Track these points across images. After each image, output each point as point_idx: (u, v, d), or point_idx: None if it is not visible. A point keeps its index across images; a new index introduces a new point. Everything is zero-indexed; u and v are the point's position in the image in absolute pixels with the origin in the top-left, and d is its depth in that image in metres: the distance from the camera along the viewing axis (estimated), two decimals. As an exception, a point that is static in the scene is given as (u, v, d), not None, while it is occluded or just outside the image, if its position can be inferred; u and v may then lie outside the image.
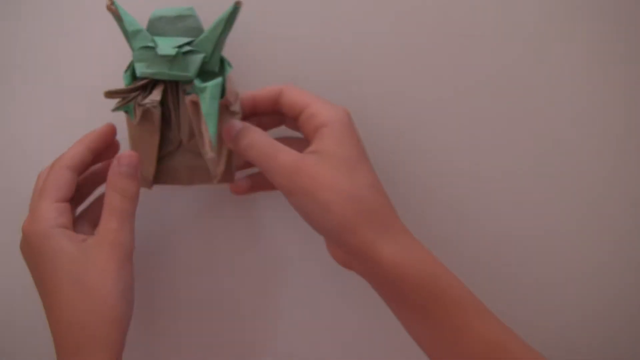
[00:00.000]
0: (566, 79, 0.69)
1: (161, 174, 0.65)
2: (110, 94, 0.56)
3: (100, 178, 0.57)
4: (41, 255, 0.46)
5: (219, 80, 0.59)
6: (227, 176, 0.65)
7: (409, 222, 0.52)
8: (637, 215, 0.70)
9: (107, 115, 0.60)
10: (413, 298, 0.44)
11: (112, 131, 0.57)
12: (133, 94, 0.58)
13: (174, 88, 0.61)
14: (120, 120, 0.62)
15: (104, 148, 0.56)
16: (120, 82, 0.61)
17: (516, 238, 0.71)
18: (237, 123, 0.53)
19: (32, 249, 0.47)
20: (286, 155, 0.49)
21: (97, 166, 0.58)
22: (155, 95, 0.58)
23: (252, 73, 0.67)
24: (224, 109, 0.61)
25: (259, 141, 0.50)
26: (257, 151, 0.51)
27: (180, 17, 0.61)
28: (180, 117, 0.62)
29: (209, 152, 0.55)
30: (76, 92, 0.68)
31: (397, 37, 0.66)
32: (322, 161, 0.47)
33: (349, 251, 0.46)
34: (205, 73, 0.61)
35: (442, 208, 0.70)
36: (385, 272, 0.45)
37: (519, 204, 0.71)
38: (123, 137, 0.63)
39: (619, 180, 0.70)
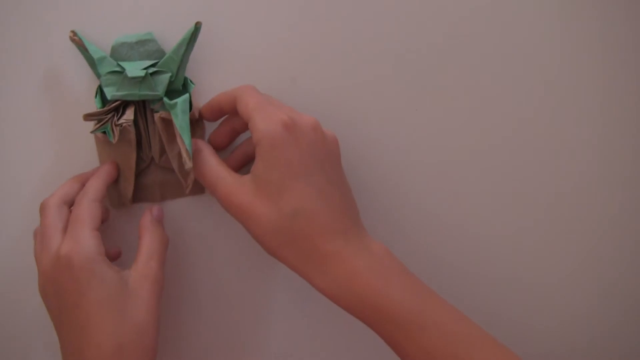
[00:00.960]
0: (564, 79, 0.73)
1: (136, 192, 0.69)
2: (88, 117, 0.59)
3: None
4: (83, 281, 0.49)
5: (186, 96, 0.63)
6: (198, 187, 0.69)
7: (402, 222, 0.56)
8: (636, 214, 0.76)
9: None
10: (363, 321, 0.50)
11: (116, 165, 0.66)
12: (108, 116, 0.61)
13: (142, 108, 0.65)
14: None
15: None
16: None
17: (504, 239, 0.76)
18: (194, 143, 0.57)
19: (74, 274, 0.49)
20: (222, 187, 0.52)
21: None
22: (129, 115, 0.61)
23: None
24: (191, 123, 0.65)
25: (205, 170, 0.55)
26: (205, 181, 0.56)
27: (140, 42, 0.65)
28: (151, 135, 0.66)
29: (188, 163, 0.59)
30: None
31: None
32: (252, 189, 0.50)
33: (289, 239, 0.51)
34: (170, 92, 0.65)
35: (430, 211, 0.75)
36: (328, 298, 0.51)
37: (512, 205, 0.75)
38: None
39: (618, 180, 0.75)
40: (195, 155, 0.56)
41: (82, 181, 0.59)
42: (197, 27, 0.63)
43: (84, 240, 0.50)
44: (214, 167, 0.54)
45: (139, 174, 0.68)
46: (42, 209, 0.57)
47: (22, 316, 0.71)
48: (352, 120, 0.71)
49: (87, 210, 0.53)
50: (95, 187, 0.56)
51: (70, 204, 0.56)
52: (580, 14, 0.72)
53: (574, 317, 0.78)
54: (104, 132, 0.62)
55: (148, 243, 0.55)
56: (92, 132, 0.60)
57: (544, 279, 0.78)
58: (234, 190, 0.50)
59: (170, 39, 0.67)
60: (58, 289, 0.51)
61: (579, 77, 0.73)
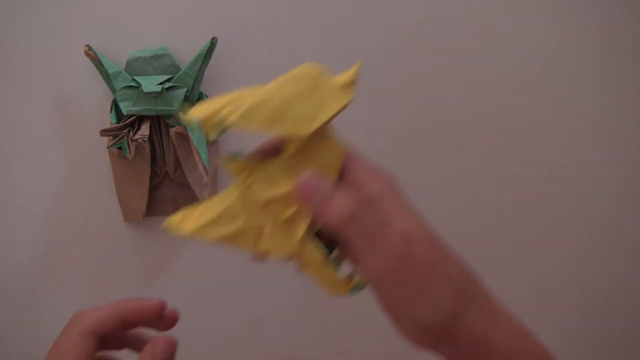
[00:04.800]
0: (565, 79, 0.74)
1: (150, 207, 0.68)
2: (104, 132, 0.59)
3: (128, 342, 0.46)
4: None
5: (202, 111, 0.63)
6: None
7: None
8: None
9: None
10: None
11: (159, 311, 0.43)
12: (124, 131, 0.61)
13: (157, 123, 0.65)
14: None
15: (142, 323, 0.44)
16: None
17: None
18: (314, 177, 0.36)
19: None
20: (395, 236, 0.37)
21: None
22: (144, 130, 0.61)
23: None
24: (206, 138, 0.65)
25: (365, 216, 0.37)
26: (361, 227, 0.36)
27: (155, 57, 0.65)
28: (165, 150, 0.66)
29: (205, 178, 0.59)
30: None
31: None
32: (421, 246, 0.38)
33: (457, 344, 0.39)
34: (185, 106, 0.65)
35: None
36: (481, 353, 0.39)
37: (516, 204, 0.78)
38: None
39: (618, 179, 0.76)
40: (334, 193, 0.37)
41: (126, 314, 0.43)
42: (213, 42, 0.63)
43: None
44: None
45: (152, 188, 0.68)
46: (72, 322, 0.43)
47: (33, 330, 0.71)
48: (366, 131, 0.71)
49: (75, 345, 0.41)
50: (99, 316, 0.42)
51: (103, 336, 0.42)
52: (580, 14, 0.73)
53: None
54: (119, 148, 0.62)
55: None
56: (108, 147, 0.60)
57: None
58: (415, 235, 0.39)
59: (185, 53, 0.67)
60: None
61: (578, 77, 0.74)
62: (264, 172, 0.34)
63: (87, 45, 0.64)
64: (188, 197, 0.70)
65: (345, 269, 0.38)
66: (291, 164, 0.34)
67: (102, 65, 0.63)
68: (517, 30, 0.71)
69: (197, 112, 0.32)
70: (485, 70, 0.72)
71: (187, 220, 0.36)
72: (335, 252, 0.37)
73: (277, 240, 0.35)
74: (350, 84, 0.34)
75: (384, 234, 0.36)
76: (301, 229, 0.35)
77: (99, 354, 0.43)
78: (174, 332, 0.44)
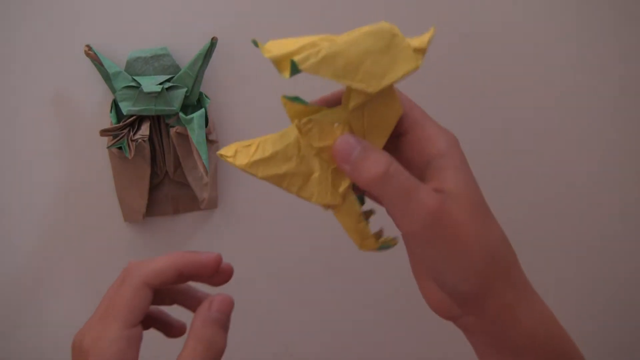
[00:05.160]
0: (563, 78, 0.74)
1: (150, 207, 0.68)
2: (104, 132, 0.59)
3: (173, 297, 0.45)
4: None
5: (202, 111, 0.63)
6: (212, 202, 0.69)
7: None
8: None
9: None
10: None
11: (216, 264, 0.43)
12: (124, 131, 0.61)
13: (157, 123, 0.65)
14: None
15: (197, 277, 0.44)
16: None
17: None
18: (350, 138, 0.37)
19: None
20: (428, 195, 0.37)
21: (181, 286, 0.46)
22: (144, 130, 0.61)
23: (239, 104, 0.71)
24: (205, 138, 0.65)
25: (399, 172, 0.37)
26: (394, 185, 0.37)
27: (155, 57, 0.65)
28: (165, 150, 0.66)
29: (205, 178, 0.59)
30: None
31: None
32: (458, 206, 0.37)
33: (482, 314, 0.39)
34: (185, 106, 0.65)
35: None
36: (515, 339, 0.39)
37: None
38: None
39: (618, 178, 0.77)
40: (370, 150, 0.37)
41: (183, 266, 0.42)
42: (213, 42, 0.63)
43: (109, 342, 0.39)
44: (403, 169, 0.38)
45: (152, 188, 0.68)
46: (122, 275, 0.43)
47: (38, 330, 0.71)
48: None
49: (128, 296, 0.40)
50: (157, 267, 0.41)
51: (158, 287, 0.41)
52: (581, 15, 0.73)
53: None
54: (119, 148, 0.62)
55: (189, 351, 0.39)
56: (108, 147, 0.60)
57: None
58: (442, 203, 0.37)
59: (185, 53, 0.67)
60: None
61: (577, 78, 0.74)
62: (323, 120, 0.35)
63: (87, 45, 0.64)
64: (188, 197, 0.70)
65: (375, 226, 0.39)
66: (350, 117, 0.35)
67: (102, 65, 0.63)
68: (521, 31, 0.71)
69: (272, 49, 0.33)
70: (488, 71, 0.72)
71: (241, 154, 0.37)
72: (365, 206, 0.38)
73: (322, 188, 0.37)
74: (421, 50, 0.35)
75: (418, 191, 0.36)
76: (345, 182, 0.37)
77: (151, 308, 0.42)
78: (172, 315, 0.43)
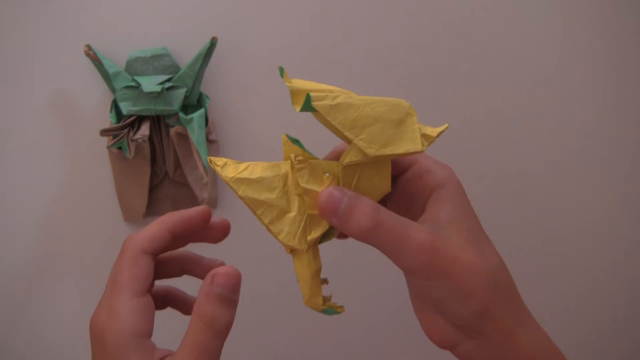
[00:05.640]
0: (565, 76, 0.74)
1: (149, 207, 0.68)
2: (104, 132, 0.59)
3: (181, 267, 0.45)
4: (109, 358, 0.39)
5: (202, 111, 0.63)
6: (212, 202, 0.69)
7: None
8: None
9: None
10: None
11: (204, 216, 0.43)
12: (124, 131, 0.61)
13: (156, 122, 0.65)
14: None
15: (191, 233, 0.43)
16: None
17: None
18: (336, 191, 0.37)
19: (105, 354, 0.39)
20: (419, 233, 0.37)
21: (181, 253, 0.45)
22: (145, 130, 0.61)
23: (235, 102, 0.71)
24: (205, 138, 0.65)
25: (387, 219, 0.37)
26: (385, 232, 0.37)
27: (155, 57, 0.65)
28: (165, 150, 0.66)
29: (205, 177, 0.59)
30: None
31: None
32: (455, 237, 0.38)
33: (482, 338, 0.39)
34: (185, 106, 0.65)
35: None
36: None
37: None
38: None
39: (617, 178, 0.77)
40: (357, 202, 0.38)
41: (173, 225, 0.42)
42: (213, 42, 0.63)
43: (120, 313, 0.38)
44: (391, 212, 0.39)
45: (152, 188, 0.68)
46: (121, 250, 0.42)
47: (38, 329, 0.71)
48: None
49: (129, 266, 0.39)
50: (150, 233, 0.41)
51: (156, 253, 0.41)
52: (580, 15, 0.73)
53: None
54: (119, 148, 0.62)
55: (191, 329, 0.38)
56: (108, 147, 0.60)
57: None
58: (434, 237, 0.38)
59: (185, 53, 0.67)
60: (93, 357, 0.41)
61: (577, 78, 0.74)
62: (316, 166, 0.36)
63: (87, 45, 0.64)
64: (188, 197, 0.70)
65: (327, 290, 0.41)
66: (342, 172, 0.36)
67: (102, 65, 0.63)
68: (521, 33, 0.71)
69: (294, 82, 0.35)
70: (488, 73, 0.72)
71: (229, 167, 0.37)
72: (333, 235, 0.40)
73: (293, 229, 0.37)
74: (429, 138, 0.36)
75: (409, 231, 0.37)
76: (316, 232, 0.37)
77: (161, 285, 0.43)
78: (172, 315, 0.43)
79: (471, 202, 0.41)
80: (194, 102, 0.66)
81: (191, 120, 0.62)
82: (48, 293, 0.69)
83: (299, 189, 0.36)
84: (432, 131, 0.36)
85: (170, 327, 0.47)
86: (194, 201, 0.69)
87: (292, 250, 0.38)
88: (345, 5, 0.68)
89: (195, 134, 0.61)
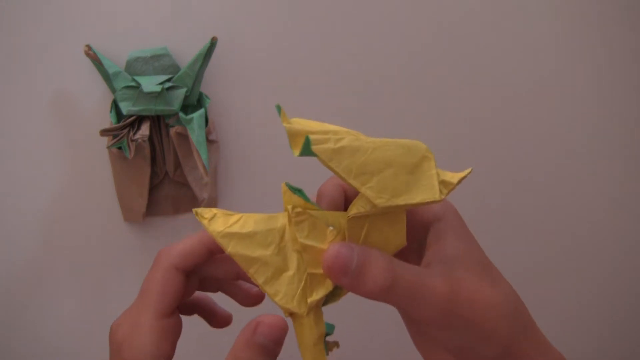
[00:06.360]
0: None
1: (149, 207, 0.68)
2: (104, 132, 0.59)
3: (218, 284, 0.43)
4: None
5: (202, 111, 0.63)
6: (212, 202, 0.69)
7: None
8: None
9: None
10: None
11: None
12: (124, 131, 0.61)
13: (156, 122, 0.65)
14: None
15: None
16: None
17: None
18: (344, 248, 0.32)
19: None
20: (435, 281, 0.34)
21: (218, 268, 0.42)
22: (145, 130, 0.61)
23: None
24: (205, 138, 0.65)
25: (403, 274, 0.34)
26: (403, 288, 0.34)
27: (155, 57, 0.65)
28: (165, 150, 0.66)
29: (205, 178, 0.59)
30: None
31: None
32: (467, 276, 0.35)
33: None
34: (185, 106, 0.65)
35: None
36: None
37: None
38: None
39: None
40: (369, 257, 0.33)
41: (208, 241, 0.39)
42: (213, 42, 0.63)
43: (142, 333, 0.37)
44: (403, 263, 0.35)
45: (152, 188, 0.68)
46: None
47: (40, 333, 0.71)
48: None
49: (157, 282, 0.38)
50: (184, 248, 0.39)
51: (190, 270, 0.39)
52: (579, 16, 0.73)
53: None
54: (119, 148, 0.62)
55: None
56: (108, 147, 0.60)
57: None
58: (452, 284, 0.35)
59: (185, 53, 0.67)
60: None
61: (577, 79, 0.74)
62: (318, 217, 0.31)
63: (87, 45, 0.64)
64: (188, 197, 0.70)
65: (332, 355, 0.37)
66: (349, 225, 0.31)
67: (102, 65, 0.63)
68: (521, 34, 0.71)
69: (293, 123, 0.30)
70: (488, 75, 0.72)
71: (218, 220, 0.33)
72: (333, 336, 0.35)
73: (291, 290, 0.32)
74: (449, 185, 0.31)
75: (426, 284, 0.33)
76: (319, 293, 0.32)
77: (197, 293, 0.41)
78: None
79: (470, 201, 0.40)
80: (194, 102, 0.66)
81: (191, 120, 0.62)
82: (48, 293, 0.69)
83: (297, 244, 0.32)
84: (452, 177, 0.31)
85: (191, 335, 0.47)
86: (194, 201, 0.69)
87: (292, 314, 0.33)
88: (346, 5, 0.68)
89: (195, 134, 0.61)
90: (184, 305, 0.41)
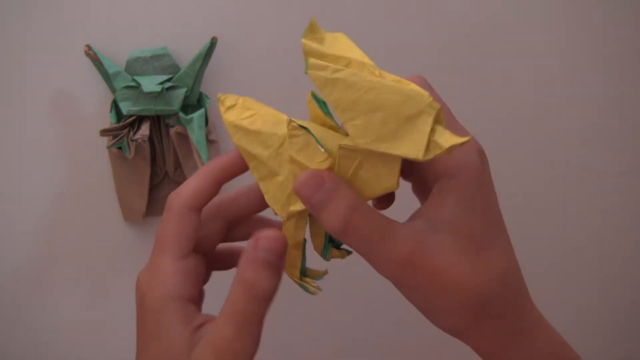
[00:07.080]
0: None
1: (149, 207, 0.68)
2: (104, 132, 0.59)
3: (248, 230, 0.41)
4: (149, 329, 0.36)
5: (202, 111, 0.63)
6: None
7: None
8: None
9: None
10: None
11: (239, 157, 0.39)
12: (124, 131, 0.61)
13: (156, 122, 0.65)
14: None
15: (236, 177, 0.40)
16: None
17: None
18: (313, 180, 0.32)
19: (144, 315, 0.37)
20: (398, 239, 0.33)
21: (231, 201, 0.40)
22: (145, 130, 0.61)
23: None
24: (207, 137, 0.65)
25: (360, 224, 0.32)
26: (355, 237, 0.33)
27: (155, 57, 0.65)
28: (165, 150, 0.66)
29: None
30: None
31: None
32: (446, 244, 0.33)
33: (477, 342, 0.35)
34: (185, 106, 0.65)
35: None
36: None
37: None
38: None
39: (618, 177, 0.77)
40: (336, 190, 0.32)
41: (220, 174, 0.38)
42: (213, 42, 0.63)
43: (160, 276, 0.36)
44: (373, 212, 0.33)
45: (152, 188, 0.68)
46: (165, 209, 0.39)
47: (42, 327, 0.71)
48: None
49: (172, 226, 0.37)
50: (193, 187, 0.38)
51: (203, 207, 0.38)
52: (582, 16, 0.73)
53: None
54: (119, 148, 0.62)
55: (231, 296, 0.35)
56: (108, 147, 0.60)
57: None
58: (414, 249, 0.32)
59: (185, 53, 0.67)
60: (136, 319, 0.38)
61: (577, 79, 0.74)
62: (316, 136, 0.31)
63: (87, 45, 0.64)
64: (188, 197, 0.70)
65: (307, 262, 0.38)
66: (341, 153, 0.31)
67: (102, 65, 0.63)
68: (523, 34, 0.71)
69: (315, 41, 0.31)
70: (490, 74, 0.72)
71: (234, 111, 0.34)
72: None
73: (278, 193, 0.34)
74: (439, 147, 0.28)
75: (387, 239, 0.32)
76: (296, 206, 0.33)
77: (226, 244, 0.40)
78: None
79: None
80: (194, 102, 0.66)
81: (191, 120, 0.62)
82: (48, 293, 0.69)
83: (288, 156, 0.32)
84: (446, 141, 0.28)
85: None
86: (194, 201, 0.69)
87: (276, 214, 0.34)
88: (347, 6, 0.68)
89: (195, 134, 0.61)
90: (220, 260, 0.40)
